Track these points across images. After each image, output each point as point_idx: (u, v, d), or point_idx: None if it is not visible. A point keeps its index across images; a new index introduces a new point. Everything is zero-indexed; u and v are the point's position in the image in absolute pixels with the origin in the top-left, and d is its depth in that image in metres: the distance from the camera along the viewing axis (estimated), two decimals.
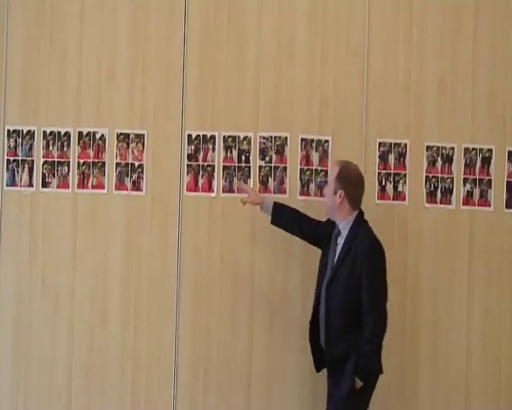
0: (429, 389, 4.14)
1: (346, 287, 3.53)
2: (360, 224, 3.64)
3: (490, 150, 4.17)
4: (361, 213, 3.68)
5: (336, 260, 3.63)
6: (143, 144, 4.24)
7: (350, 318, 3.53)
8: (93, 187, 4.24)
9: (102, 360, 4.21)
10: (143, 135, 4.24)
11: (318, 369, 3.75)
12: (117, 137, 4.24)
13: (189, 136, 4.23)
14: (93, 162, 4.24)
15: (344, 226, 3.65)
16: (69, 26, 4.28)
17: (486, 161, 4.17)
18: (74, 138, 4.25)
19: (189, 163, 4.22)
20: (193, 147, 4.23)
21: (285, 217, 3.91)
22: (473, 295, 4.15)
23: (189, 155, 4.23)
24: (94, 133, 4.25)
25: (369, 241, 3.56)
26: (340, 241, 3.66)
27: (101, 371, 4.21)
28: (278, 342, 4.17)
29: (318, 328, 3.69)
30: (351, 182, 3.63)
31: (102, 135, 4.24)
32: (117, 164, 4.23)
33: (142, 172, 4.23)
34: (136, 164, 4.24)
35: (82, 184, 4.24)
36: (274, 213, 3.91)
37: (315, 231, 3.85)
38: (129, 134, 4.24)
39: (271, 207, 3.91)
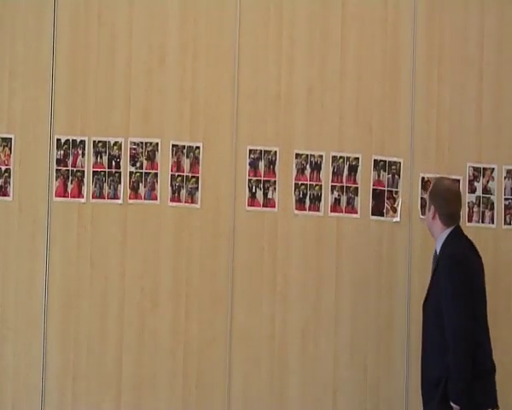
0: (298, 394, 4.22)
1: (436, 307, 3.42)
2: (452, 240, 3.50)
3: (357, 159, 4.26)
4: (456, 230, 3.54)
5: (430, 281, 3.56)
6: (10, 148, 4.14)
7: (441, 340, 3.38)
8: None
9: None
10: (10, 139, 4.14)
11: None
12: None
13: (58, 140, 4.15)
14: None
15: (438, 244, 3.55)
16: None
17: (353, 169, 4.26)
18: None
19: (58, 168, 4.15)
20: (62, 152, 4.15)
21: None
22: (341, 299, 4.24)
23: (57, 159, 4.15)
24: None
25: (447, 255, 3.44)
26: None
27: None
28: (149, 348, 4.15)
29: None
30: (442, 197, 3.53)
31: None
32: None
33: (10, 176, 4.13)
34: (3, 168, 4.13)
35: None
36: None
37: None
38: None
39: None
